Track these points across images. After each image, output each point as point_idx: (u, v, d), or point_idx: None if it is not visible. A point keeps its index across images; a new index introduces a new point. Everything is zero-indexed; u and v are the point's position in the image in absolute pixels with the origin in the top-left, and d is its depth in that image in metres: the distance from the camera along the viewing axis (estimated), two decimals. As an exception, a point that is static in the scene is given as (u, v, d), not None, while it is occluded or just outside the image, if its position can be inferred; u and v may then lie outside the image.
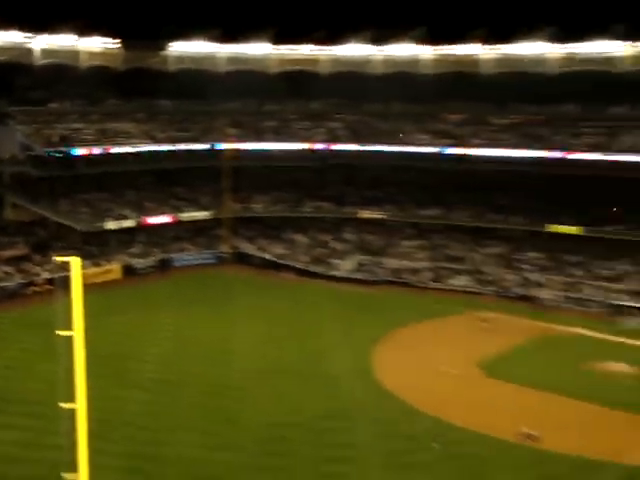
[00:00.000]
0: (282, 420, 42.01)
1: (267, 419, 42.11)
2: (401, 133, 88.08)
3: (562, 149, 78.28)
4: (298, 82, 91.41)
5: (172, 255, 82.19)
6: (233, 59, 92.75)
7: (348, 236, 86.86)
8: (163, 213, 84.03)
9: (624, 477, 36.10)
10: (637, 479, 36.13)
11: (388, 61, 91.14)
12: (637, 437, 40.78)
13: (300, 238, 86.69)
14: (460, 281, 76.70)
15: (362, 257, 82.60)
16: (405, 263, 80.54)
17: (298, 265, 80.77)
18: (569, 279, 74.17)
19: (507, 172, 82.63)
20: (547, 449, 38.56)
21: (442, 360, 52.59)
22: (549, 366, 52.70)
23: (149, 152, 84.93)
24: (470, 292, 74.24)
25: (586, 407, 44.82)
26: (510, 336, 59.49)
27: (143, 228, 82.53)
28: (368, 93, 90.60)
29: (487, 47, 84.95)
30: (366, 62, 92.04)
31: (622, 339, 59.33)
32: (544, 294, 71.93)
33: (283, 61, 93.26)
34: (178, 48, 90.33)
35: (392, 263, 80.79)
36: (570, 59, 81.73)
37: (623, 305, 67.91)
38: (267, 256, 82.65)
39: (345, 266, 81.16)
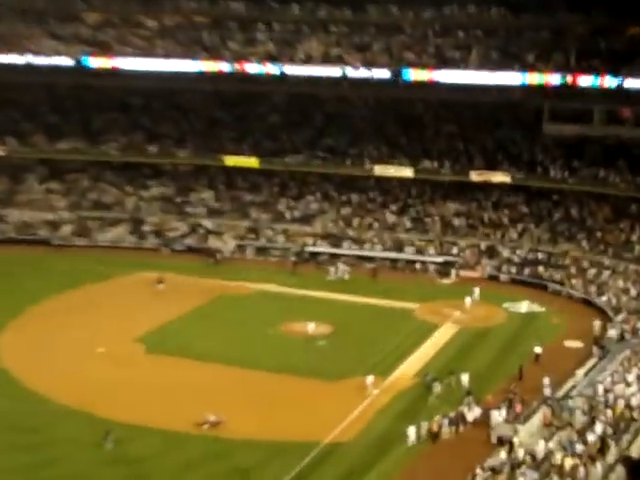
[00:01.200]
0: None
1: None
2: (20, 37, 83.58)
3: (233, 59, 79.42)
4: None
5: None
6: None
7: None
8: None
9: (318, 457, 37.78)
10: (332, 458, 38.07)
11: None
12: (328, 407, 43.23)
13: None
14: (116, 234, 77.19)
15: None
16: (39, 215, 79.09)
17: None
18: (250, 223, 77.25)
19: (166, 89, 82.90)
20: (230, 437, 39.51)
21: (95, 338, 52.49)
22: (229, 333, 54.79)
23: None
24: (131, 247, 75.25)
25: (273, 379, 46.75)
26: (184, 300, 61.20)
27: None
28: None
29: None
30: None
31: (310, 292, 63.48)
32: (222, 244, 74.55)
33: None
34: None
35: (21, 215, 79.09)
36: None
37: (315, 252, 72.41)
38: None
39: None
